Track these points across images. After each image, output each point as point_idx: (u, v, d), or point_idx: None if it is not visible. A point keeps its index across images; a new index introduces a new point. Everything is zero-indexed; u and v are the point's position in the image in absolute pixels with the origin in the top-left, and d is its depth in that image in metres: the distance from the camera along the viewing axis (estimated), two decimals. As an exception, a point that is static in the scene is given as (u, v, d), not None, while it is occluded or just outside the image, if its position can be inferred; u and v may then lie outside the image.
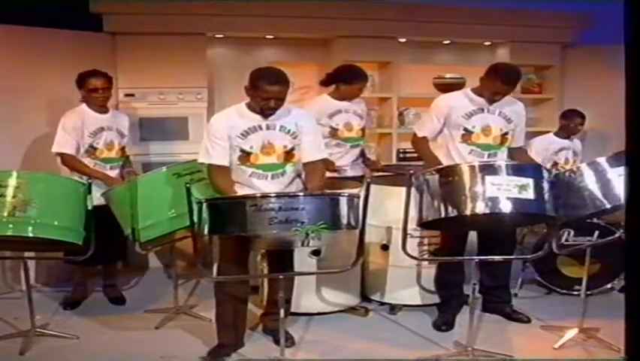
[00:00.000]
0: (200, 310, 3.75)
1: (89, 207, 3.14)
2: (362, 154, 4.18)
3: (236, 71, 4.65)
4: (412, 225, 3.03)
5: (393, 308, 3.79)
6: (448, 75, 5.38)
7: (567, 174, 3.12)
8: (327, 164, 3.82)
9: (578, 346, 3.26)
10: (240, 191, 2.99)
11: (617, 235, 3.46)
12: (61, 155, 3.69)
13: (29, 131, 4.13)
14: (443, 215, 2.88)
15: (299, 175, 3.16)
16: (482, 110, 3.46)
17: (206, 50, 4.86)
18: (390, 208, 3.50)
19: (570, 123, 4.50)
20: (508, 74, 3.40)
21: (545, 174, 2.93)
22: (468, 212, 2.82)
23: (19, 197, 2.95)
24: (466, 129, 3.45)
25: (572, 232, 3.79)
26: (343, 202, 2.69)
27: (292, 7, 4.81)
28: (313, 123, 3.22)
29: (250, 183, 3.03)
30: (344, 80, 3.97)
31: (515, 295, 3.93)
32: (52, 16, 4.24)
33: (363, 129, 4.12)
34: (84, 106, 3.75)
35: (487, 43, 5.51)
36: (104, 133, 3.75)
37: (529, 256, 3.74)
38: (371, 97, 5.24)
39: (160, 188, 3.28)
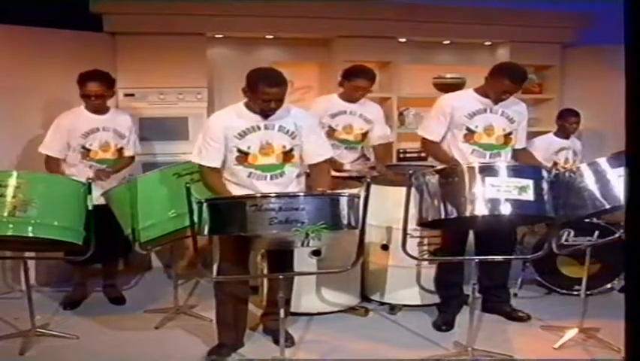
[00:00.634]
0: (200, 310, 3.75)
1: (89, 207, 3.14)
2: (362, 156, 4.17)
3: (236, 71, 4.61)
4: (412, 225, 3.03)
5: (393, 308, 3.79)
6: (448, 75, 5.38)
7: (567, 174, 3.12)
8: (332, 163, 3.84)
9: (578, 346, 3.26)
10: (239, 192, 2.99)
11: (617, 235, 3.47)
12: (46, 157, 3.68)
13: (29, 131, 4.12)
14: (443, 216, 2.89)
15: (300, 175, 3.16)
16: (485, 110, 3.46)
17: (206, 50, 4.86)
18: (390, 208, 3.50)
19: (565, 123, 4.51)
20: (515, 73, 3.40)
21: (545, 175, 2.93)
22: (468, 213, 2.82)
23: (19, 197, 2.94)
24: (468, 129, 3.45)
25: (572, 232, 3.79)
26: (343, 202, 2.69)
27: (292, 7, 4.81)
28: (313, 123, 3.22)
29: (249, 184, 3.03)
30: (346, 77, 3.98)
31: (515, 295, 3.93)
32: (52, 16, 4.23)
33: (365, 133, 4.08)
34: (81, 107, 3.73)
35: (487, 43, 5.51)
36: (98, 134, 3.73)
37: (529, 256, 3.75)
38: (371, 97, 5.22)
39: (160, 188, 3.28)
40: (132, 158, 3.97)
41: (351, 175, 3.97)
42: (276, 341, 3.11)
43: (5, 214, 2.92)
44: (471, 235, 3.51)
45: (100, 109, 3.75)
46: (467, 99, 3.49)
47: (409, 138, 5.41)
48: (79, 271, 3.94)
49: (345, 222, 2.68)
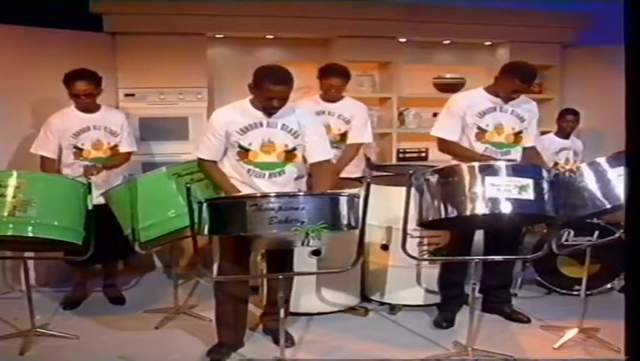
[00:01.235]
0: (200, 310, 3.75)
1: (89, 207, 3.14)
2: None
3: (236, 71, 4.66)
4: (412, 225, 3.03)
5: (393, 308, 3.79)
6: (448, 75, 5.38)
7: (567, 174, 3.12)
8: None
9: (578, 346, 3.26)
10: (240, 187, 3.00)
11: (617, 235, 3.46)
12: (40, 157, 3.67)
13: (29, 131, 4.12)
14: (443, 215, 2.89)
15: (301, 176, 3.16)
16: (495, 108, 3.47)
17: (206, 50, 4.86)
18: (390, 208, 3.50)
19: (562, 122, 4.52)
20: (525, 71, 3.40)
21: (545, 175, 2.93)
22: (468, 213, 2.82)
23: (19, 197, 2.94)
24: (479, 128, 3.46)
25: (572, 232, 3.79)
26: (343, 202, 2.69)
27: (292, 7, 4.81)
28: (317, 123, 3.22)
29: (248, 181, 3.03)
30: (320, 76, 3.98)
31: (515, 295, 3.93)
32: (52, 16, 4.24)
33: (344, 134, 4.01)
34: (71, 107, 3.73)
35: (487, 43, 5.51)
36: (89, 133, 3.72)
37: (529, 256, 3.75)
38: (371, 97, 5.24)
39: (160, 188, 3.28)
40: (129, 154, 3.94)
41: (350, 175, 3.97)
42: (276, 341, 3.11)
43: (5, 214, 2.92)
44: (479, 236, 3.51)
45: (90, 108, 3.74)
46: (477, 98, 3.50)
47: (409, 137, 5.43)
48: (79, 271, 3.94)
49: (345, 222, 2.68)
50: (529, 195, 2.80)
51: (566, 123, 4.52)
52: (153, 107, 4.71)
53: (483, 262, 3.62)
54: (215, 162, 3.07)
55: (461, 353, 3.13)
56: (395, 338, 3.42)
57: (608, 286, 4.00)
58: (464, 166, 2.94)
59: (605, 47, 4.94)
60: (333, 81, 3.93)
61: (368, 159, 4.25)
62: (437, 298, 3.75)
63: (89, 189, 3.17)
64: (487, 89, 3.51)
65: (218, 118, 3.05)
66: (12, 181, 2.96)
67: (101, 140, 3.77)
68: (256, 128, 3.01)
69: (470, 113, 3.46)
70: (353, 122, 4.02)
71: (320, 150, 3.15)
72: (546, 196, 2.87)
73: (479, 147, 3.48)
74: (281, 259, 3.16)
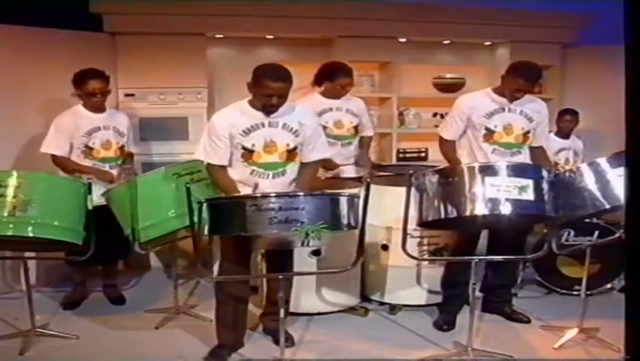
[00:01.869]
0: (200, 310, 3.75)
1: (89, 207, 3.14)
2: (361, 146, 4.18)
3: (236, 71, 4.65)
4: (412, 225, 3.03)
5: (393, 308, 3.79)
6: (448, 75, 5.39)
7: (567, 174, 3.12)
8: (328, 163, 3.84)
9: (578, 346, 3.26)
10: (243, 189, 3.00)
11: (617, 235, 3.46)
12: (52, 156, 3.68)
13: (29, 131, 4.12)
14: (443, 216, 2.89)
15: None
16: (503, 109, 3.47)
17: (206, 50, 4.86)
18: (390, 208, 3.50)
19: (560, 123, 4.53)
20: (530, 71, 3.41)
21: (545, 175, 2.93)
22: (468, 213, 2.83)
23: (19, 197, 2.94)
24: (487, 129, 3.46)
25: (572, 232, 3.78)
26: (343, 202, 2.69)
27: (292, 7, 4.81)
28: (316, 122, 3.22)
29: (251, 182, 3.02)
30: (327, 78, 3.98)
31: (515, 295, 3.93)
32: (52, 16, 4.23)
33: (356, 127, 4.09)
34: (79, 106, 3.73)
35: (487, 43, 5.51)
36: (99, 133, 3.73)
37: (529, 256, 3.75)
38: (371, 97, 5.24)
39: (160, 188, 3.28)
40: (132, 155, 3.99)
41: (344, 176, 3.98)
42: (276, 341, 3.11)
43: (5, 214, 2.92)
44: (483, 237, 3.51)
45: (100, 107, 3.76)
46: (484, 99, 3.50)
47: (408, 137, 5.43)
48: (79, 271, 3.94)
49: (345, 222, 2.68)
50: (529, 195, 2.80)
51: (565, 123, 4.53)
52: (153, 107, 4.71)
53: (487, 261, 3.62)
54: (225, 167, 3.04)
55: (461, 353, 3.13)
56: (395, 338, 3.42)
57: (608, 286, 4.00)
58: (464, 166, 2.96)
59: (605, 46, 4.93)
60: (344, 81, 3.97)
61: (368, 159, 4.25)
62: (437, 298, 3.75)
63: (89, 189, 3.17)
64: (495, 90, 3.51)
65: (221, 121, 3.03)
66: (12, 181, 2.97)
67: (111, 140, 3.78)
68: (258, 129, 3.00)
69: (476, 114, 3.46)
70: (361, 116, 4.12)
71: (315, 150, 3.15)
72: (546, 197, 2.87)
73: (487, 148, 3.47)
74: (281, 259, 3.16)
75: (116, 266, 4.19)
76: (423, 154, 5.41)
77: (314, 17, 4.88)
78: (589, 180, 3.07)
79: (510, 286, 3.80)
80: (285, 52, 5.21)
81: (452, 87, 5.29)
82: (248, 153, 3.01)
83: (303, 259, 3.42)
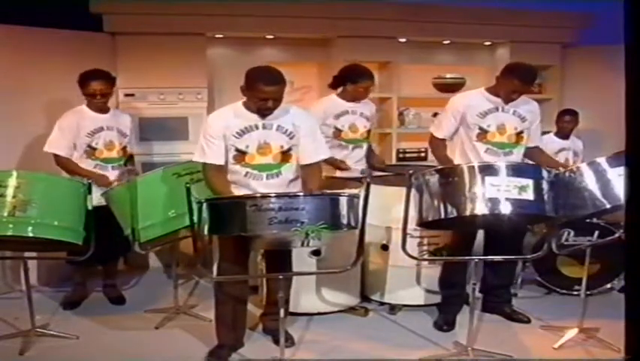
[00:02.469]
0: (200, 310, 3.75)
1: (89, 207, 3.14)
2: (369, 150, 4.19)
3: (236, 71, 4.59)
4: (412, 225, 3.03)
5: (393, 308, 3.79)
6: (448, 75, 5.38)
7: (567, 174, 3.12)
8: (336, 163, 3.85)
9: (578, 346, 3.26)
10: (236, 192, 2.99)
11: (617, 235, 3.47)
12: (55, 156, 3.68)
13: (29, 131, 4.13)
14: (443, 216, 2.89)
15: (297, 178, 3.15)
16: (497, 109, 3.48)
17: (206, 50, 4.86)
18: (390, 208, 3.50)
19: (560, 123, 4.53)
20: (525, 72, 3.42)
21: (545, 175, 2.93)
22: (468, 213, 2.83)
23: (19, 197, 2.94)
24: (481, 128, 3.47)
25: (572, 232, 3.79)
26: (343, 202, 2.69)
27: (292, 7, 4.81)
28: (312, 124, 3.19)
29: (246, 184, 3.02)
30: (350, 80, 3.96)
31: (515, 295, 3.93)
32: (52, 16, 4.23)
33: (369, 131, 4.11)
34: (83, 106, 3.74)
35: (487, 43, 5.51)
36: (103, 133, 3.74)
37: (529, 256, 3.74)
38: (371, 97, 5.22)
39: (160, 188, 3.28)
40: (132, 156, 4.00)
41: (348, 176, 3.98)
42: (276, 341, 3.11)
43: (5, 214, 2.92)
44: (480, 235, 3.51)
45: (103, 108, 3.76)
46: (478, 99, 3.51)
47: (408, 137, 5.43)
48: (79, 271, 3.94)
49: (344, 222, 2.68)
50: (529, 195, 2.80)
51: (564, 124, 4.53)
52: (153, 107, 4.71)
53: (485, 261, 3.62)
54: (220, 168, 3.03)
55: (461, 353, 3.13)
56: (395, 338, 3.42)
57: (608, 286, 4.00)
58: (464, 166, 2.95)
59: (605, 46, 4.93)
60: (367, 83, 3.97)
61: (373, 155, 4.27)
62: (437, 298, 3.75)
63: (89, 189, 3.17)
64: (489, 90, 3.52)
65: (216, 121, 3.03)
66: (12, 181, 2.97)
67: (114, 140, 3.79)
68: (252, 131, 3.00)
69: (471, 113, 3.47)
70: (372, 119, 4.16)
71: (312, 152, 3.12)
72: (546, 196, 2.87)
73: (480, 148, 3.48)
74: (280, 259, 3.15)
75: (116, 266, 4.19)
76: (423, 154, 5.40)
77: (314, 17, 4.88)
78: (589, 180, 3.07)
79: (508, 286, 3.80)
80: (285, 52, 5.21)
81: (452, 87, 5.28)
82: (241, 155, 3.00)
83: (303, 259, 3.42)
